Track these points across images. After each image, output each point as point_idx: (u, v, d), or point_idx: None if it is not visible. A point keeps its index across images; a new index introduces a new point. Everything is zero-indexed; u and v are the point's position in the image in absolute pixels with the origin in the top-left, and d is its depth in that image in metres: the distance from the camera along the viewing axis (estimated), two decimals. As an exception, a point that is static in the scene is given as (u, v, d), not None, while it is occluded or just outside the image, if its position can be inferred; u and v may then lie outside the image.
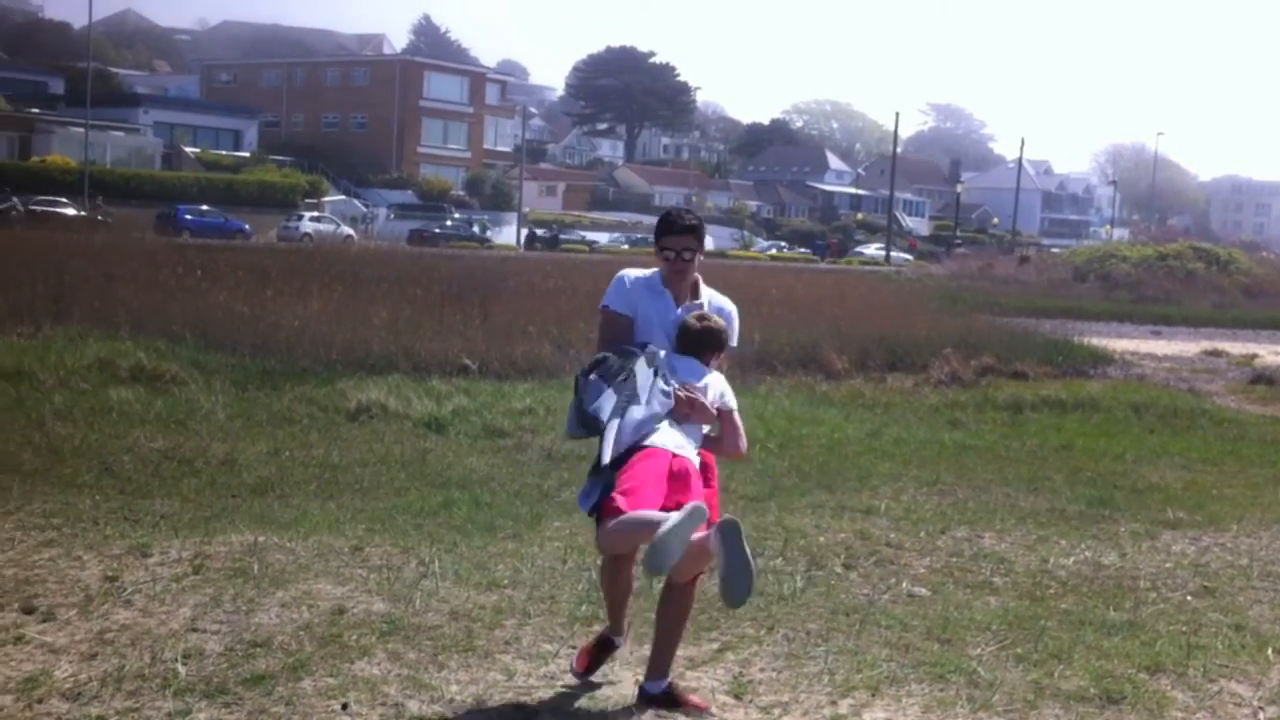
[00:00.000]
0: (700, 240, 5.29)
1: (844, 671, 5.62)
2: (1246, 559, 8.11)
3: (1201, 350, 26.48)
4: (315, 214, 60.24)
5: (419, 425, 11.65)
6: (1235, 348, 26.89)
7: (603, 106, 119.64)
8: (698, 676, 5.47)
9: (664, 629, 5.08)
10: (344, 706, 4.92)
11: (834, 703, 5.24)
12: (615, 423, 4.83)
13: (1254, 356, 24.91)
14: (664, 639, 5.08)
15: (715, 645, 5.92)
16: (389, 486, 9.18)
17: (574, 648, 5.72)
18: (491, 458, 10.48)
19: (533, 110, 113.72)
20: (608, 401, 4.87)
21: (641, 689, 5.10)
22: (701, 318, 5.26)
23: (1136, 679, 5.63)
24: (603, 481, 4.79)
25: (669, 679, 5.08)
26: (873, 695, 5.34)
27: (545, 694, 5.18)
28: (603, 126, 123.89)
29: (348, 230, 53.99)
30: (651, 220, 71.41)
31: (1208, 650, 6.13)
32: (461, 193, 79.99)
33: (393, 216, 66.56)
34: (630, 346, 5.12)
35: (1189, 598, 7.19)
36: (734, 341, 5.46)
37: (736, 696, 5.26)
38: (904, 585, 7.15)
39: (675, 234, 5.23)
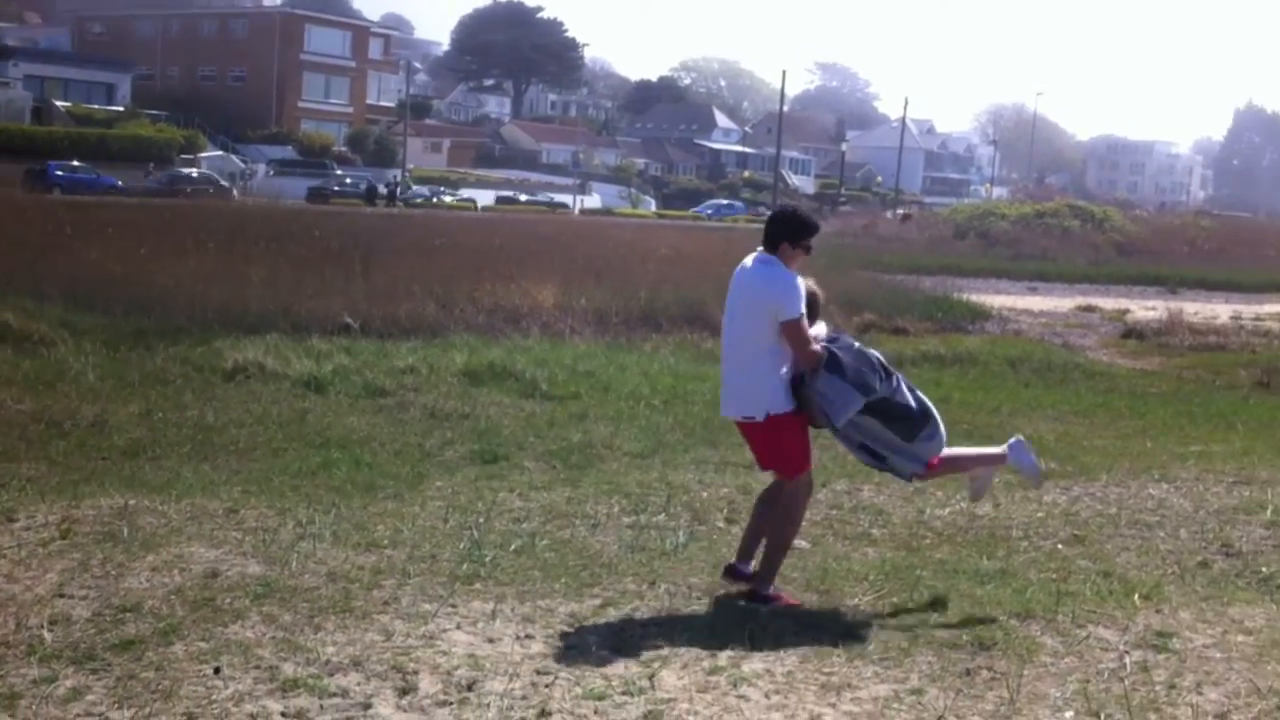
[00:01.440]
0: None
1: (724, 624, 5.66)
2: (1115, 508, 8.35)
3: (1076, 306, 27.17)
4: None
5: (298, 385, 11.45)
6: (1108, 303, 27.64)
7: (489, 62, 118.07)
8: (580, 632, 5.46)
9: (770, 523, 6.12)
10: (216, 670, 4.82)
11: (713, 655, 5.27)
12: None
13: (1126, 311, 25.63)
14: (768, 531, 6.12)
15: (598, 601, 5.92)
16: (266, 447, 9.01)
17: (454, 607, 5.68)
18: (372, 417, 10.34)
19: (417, 65, 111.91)
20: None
21: (733, 568, 6.11)
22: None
23: (1008, 625, 5.76)
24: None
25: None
26: (752, 647, 5.38)
27: (424, 654, 5.13)
28: (489, 82, 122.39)
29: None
30: (540, 177, 70.77)
31: (1076, 596, 6.30)
32: (344, 149, 78.47)
33: (272, 173, 65.05)
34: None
35: (1059, 546, 7.38)
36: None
37: (618, 651, 5.26)
38: (784, 538, 7.21)
39: (816, 233, 6.16)
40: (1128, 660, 5.42)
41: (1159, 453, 10.44)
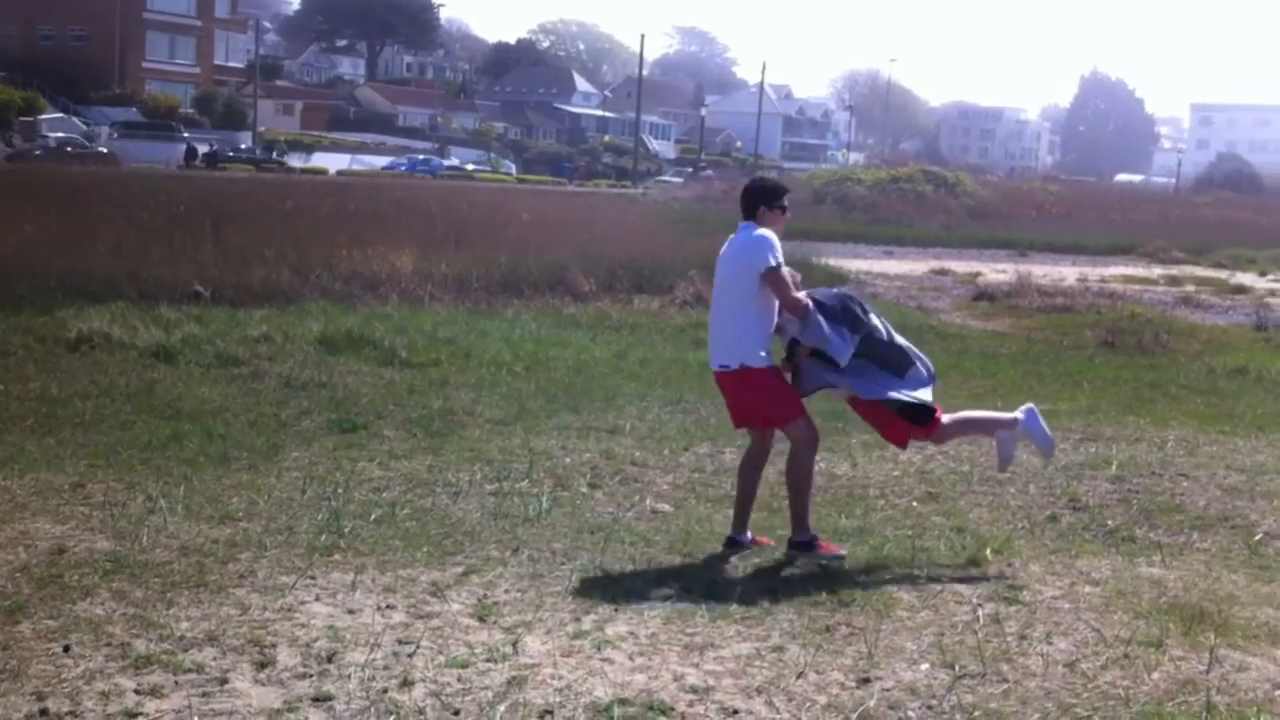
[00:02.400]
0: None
1: (588, 589, 5.67)
2: (968, 465, 8.56)
3: (930, 269, 27.78)
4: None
5: (146, 355, 11.09)
6: (961, 266, 28.31)
7: (342, 22, 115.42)
8: (442, 600, 5.41)
9: (787, 478, 6.39)
10: (66, 649, 4.68)
11: (577, 619, 5.27)
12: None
13: (977, 274, 26.29)
14: (788, 485, 6.38)
15: (460, 569, 5.87)
16: (113, 420, 8.71)
17: (313, 579, 5.58)
18: (225, 387, 10.07)
19: (267, 24, 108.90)
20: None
21: (731, 539, 6.36)
22: None
23: (865, 582, 5.88)
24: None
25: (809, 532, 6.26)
26: (616, 610, 5.40)
27: (282, 626, 5.03)
28: (342, 43, 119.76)
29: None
30: (397, 141, 69.38)
31: (931, 552, 6.46)
32: (191, 110, 76.15)
33: (116, 135, 62.81)
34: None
35: (914, 503, 7.55)
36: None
37: (480, 619, 5.23)
38: (648, 502, 7.25)
39: (787, 193, 6.72)
40: (980, 613, 5.57)
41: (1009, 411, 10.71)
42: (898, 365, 6.40)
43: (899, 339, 6.49)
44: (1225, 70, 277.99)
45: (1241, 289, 26.34)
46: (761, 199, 6.53)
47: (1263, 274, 31.92)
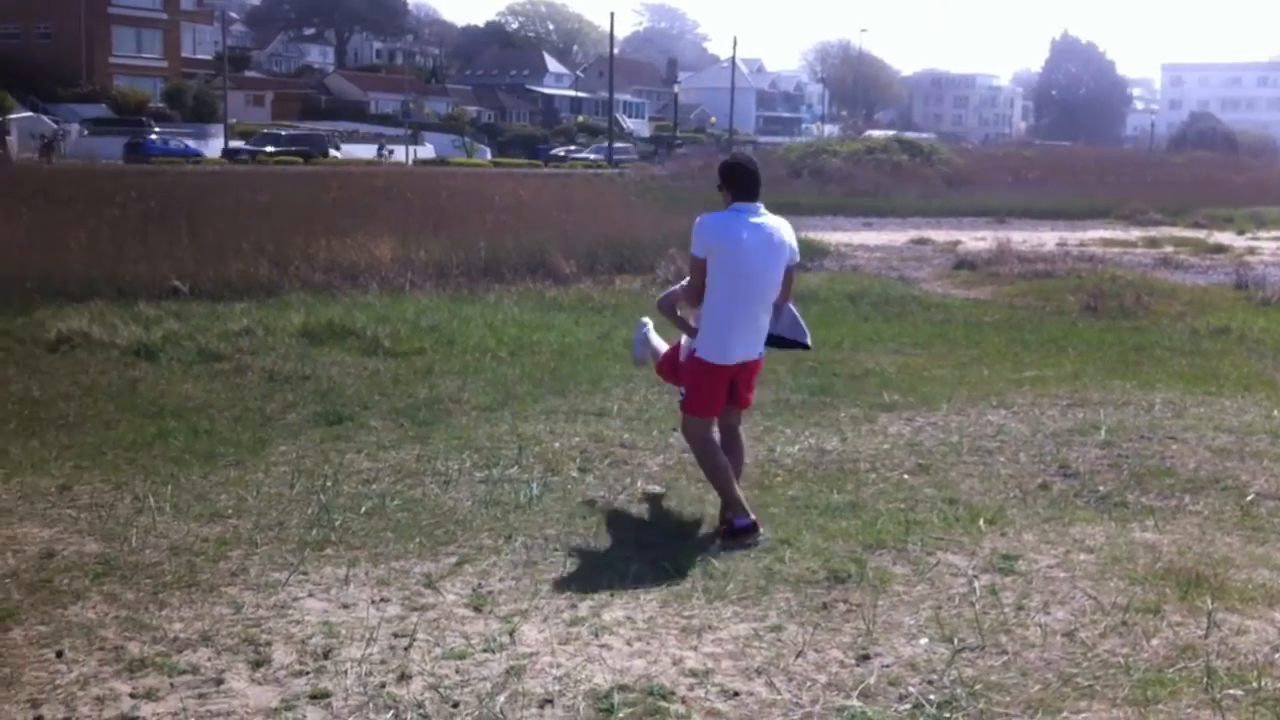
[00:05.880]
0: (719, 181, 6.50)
1: (583, 574, 5.64)
2: (957, 436, 8.55)
3: (909, 239, 27.79)
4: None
5: (127, 353, 10.99)
6: (940, 235, 28.32)
7: (309, 11, 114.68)
8: (436, 591, 5.37)
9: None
10: (59, 654, 4.63)
11: (574, 606, 5.25)
12: None
13: (957, 243, 26.31)
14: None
15: (453, 559, 5.84)
16: (97, 420, 8.63)
17: (305, 574, 5.54)
18: (208, 383, 9.99)
19: (234, 15, 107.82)
20: None
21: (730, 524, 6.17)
22: None
23: (860, 558, 5.86)
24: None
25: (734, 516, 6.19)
26: (612, 595, 5.38)
27: (276, 624, 4.99)
28: (310, 32, 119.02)
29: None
30: (369, 129, 69.03)
31: (924, 525, 6.44)
32: (161, 105, 75.57)
33: (86, 133, 62.31)
34: None
35: (906, 476, 7.53)
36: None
37: (476, 609, 5.20)
38: (639, 484, 7.22)
39: None
40: (976, 584, 5.56)
41: (995, 380, 10.73)
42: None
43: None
44: (1195, 29, 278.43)
45: (1220, 248, 26.41)
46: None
47: (1240, 232, 32.03)
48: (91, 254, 15.06)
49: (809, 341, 6.68)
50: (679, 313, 6.63)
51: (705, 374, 6.29)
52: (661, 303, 6.84)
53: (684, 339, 6.62)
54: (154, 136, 60.94)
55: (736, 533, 6.12)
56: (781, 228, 6.26)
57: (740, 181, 6.31)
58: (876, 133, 74.19)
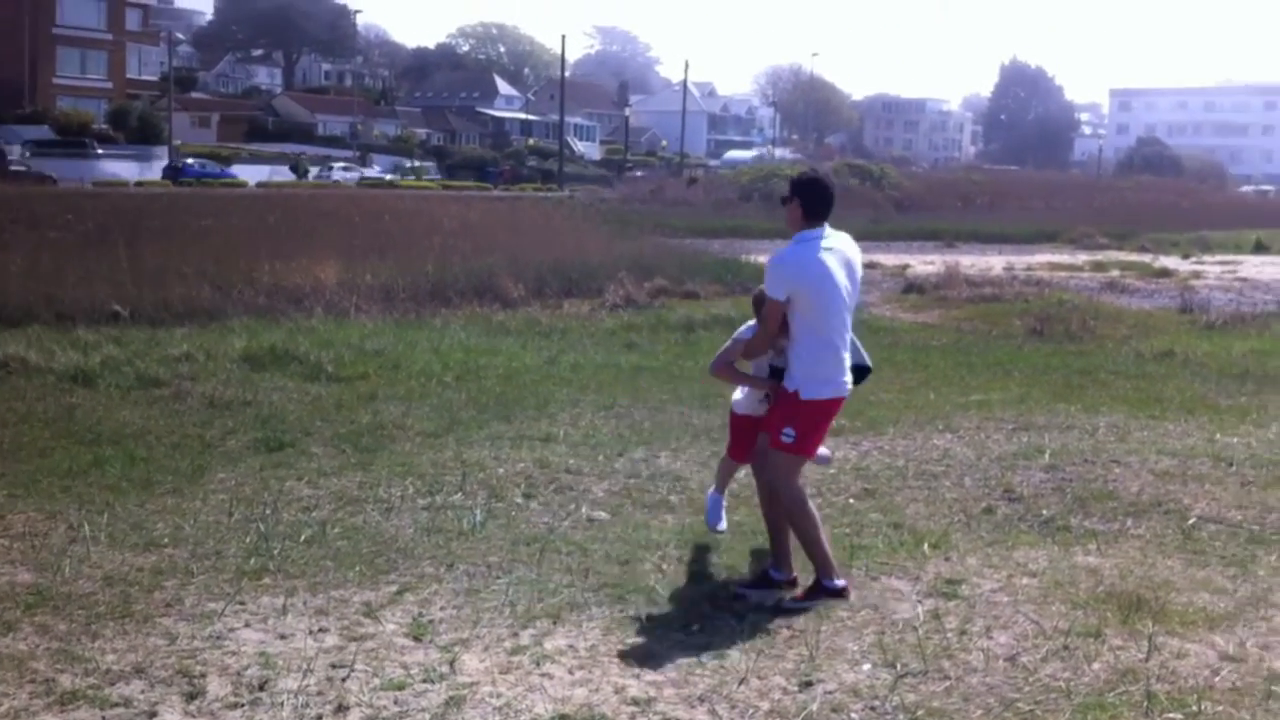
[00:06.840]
0: (790, 194, 6.04)
1: (525, 602, 5.58)
2: (903, 460, 8.57)
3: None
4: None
5: (64, 379, 10.80)
6: (889, 259, 28.47)
7: (256, 32, 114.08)
8: (376, 621, 5.29)
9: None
10: (-14, 689, 4.51)
11: (515, 634, 5.18)
12: None
13: (906, 267, 26.45)
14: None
15: (394, 587, 5.76)
16: (31, 448, 8.46)
17: (242, 604, 5.44)
18: (147, 409, 9.83)
19: (180, 36, 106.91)
20: None
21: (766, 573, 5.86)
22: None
23: (804, 583, 5.83)
24: None
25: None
26: (554, 623, 5.32)
27: (212, 655, 4.89)
28: (258, 53, 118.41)
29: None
30: (317, 150, 68.64)
31: (870, 549, 6.43)
32: (105, 126, 74.74)
33: (28, 154, 61.60)
34: None
35: (851, 500, 7.53)
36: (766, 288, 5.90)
37: (416, 638, 5.12)
38: (583, 510, 7.16)
39: None
40: (920, 609, 5.55)
41: (942, 403, 10.77)
42: None
43: None
44: (1142, 55, 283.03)
45: (1165, 272, 26.77)
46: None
47: (1186, 256, 32.49)
48: (30, 277, 14.84)
49: (870, 363, 6.35)
50: (737, 368, 6.18)
51: (822, 413, 5.88)
52: (717, 367, 6.19)
53: (737, 392, 6.31)
54: (190, 162, 63.55)
55: (825, 593, 5.70)
56: (848, 248, 5.98)
57: (821, 200, 5.98)
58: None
